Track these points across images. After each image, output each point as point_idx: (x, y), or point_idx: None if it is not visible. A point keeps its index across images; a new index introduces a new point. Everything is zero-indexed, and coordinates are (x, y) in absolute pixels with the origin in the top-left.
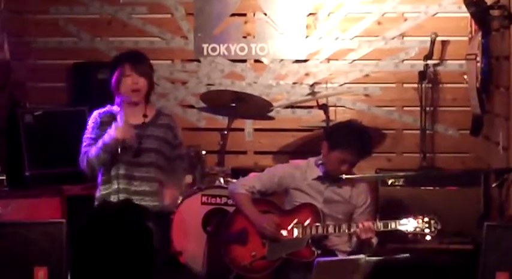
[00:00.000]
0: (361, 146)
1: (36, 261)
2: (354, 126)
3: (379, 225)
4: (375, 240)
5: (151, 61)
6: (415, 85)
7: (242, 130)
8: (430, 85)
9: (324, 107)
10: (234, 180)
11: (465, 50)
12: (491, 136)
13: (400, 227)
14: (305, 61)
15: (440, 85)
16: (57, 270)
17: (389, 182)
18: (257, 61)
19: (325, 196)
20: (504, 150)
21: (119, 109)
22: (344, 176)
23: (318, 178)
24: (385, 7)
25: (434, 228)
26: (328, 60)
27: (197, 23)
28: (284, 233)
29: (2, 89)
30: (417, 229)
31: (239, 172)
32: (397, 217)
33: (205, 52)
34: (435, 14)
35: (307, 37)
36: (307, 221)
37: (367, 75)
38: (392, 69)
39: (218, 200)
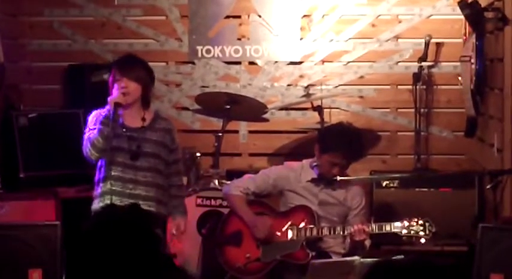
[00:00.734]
0: (351, 150)
1: (30, 263)
2: (344, 129)
3: (374, 227)
4: (368, 243)
5: None
6: (410, 87)
7: (237, 132)
8: (424, 87)
9: (319, 109)
10: (229, 182)
11: (459, 52)
12: (485, 138)
13: (394, 230)
14: (300, 63)
15: (435, 87)
16: (51, 272)
17: (384, 184)
18: (252, 63)
19: (320, 198)
20: (498, 152)
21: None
22: (338, 178)
23: (313, 180)
24: (379, 9)
25: (429, 231)
26: (323, 62)
27: (192, 25)
28: (278, 234)
29: None
30: (412, 232)
31: (234, 174)
32: (392, 218)
33: (199, 55)
34: (429, 16)
35: (301, 39)
36: (302, 223)
37: (361, 77)
38: (387, 71)
39: (213, 202)
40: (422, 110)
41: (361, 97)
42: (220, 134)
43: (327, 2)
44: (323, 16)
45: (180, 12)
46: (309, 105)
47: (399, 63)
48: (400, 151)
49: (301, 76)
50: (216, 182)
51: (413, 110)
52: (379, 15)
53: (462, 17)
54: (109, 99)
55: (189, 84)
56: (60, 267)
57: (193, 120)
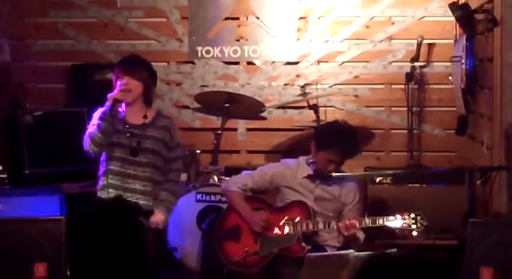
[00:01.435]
0: (346, 147)
1: (36, 258)
2: (340, 127)
3: (367, 221)
4: (361, 236)
5: None
6: (403, 86)
7: (235, 130)
8: (416, 86)
9: (315, 107)
10: (227, 178)
11: (450, 52)
12: (476, 136)
13: (387, 223)
14: (296, 63)
15: (427, 86)
16: (56, 266)
17: (378, 180)
18: (250, 63)
19: (315, 194)
20: (488, 149)
21: (121, 109)
22: (333, 174)
23: (309, 177)
24: (373, 11)
25: (421, 224)
26: (319, 62)
27: (192, 26)
28: (276, 229)
29: (3, 90)
30: (404, 225)
31: (232, 171)
32: (385, 213)
33: (199, 55)
34: (422, 18)
35: (298, 40)
36: (298, 218)
37: (356, 77)
38: (381, 70)
39: (212, 197)
40: (414, 108)
41: (356, 96)
42: (219, 132)
43: (322, 4)
44: (319, 18)
45: (181, 14)
46: (305, 104)
47: (392, 63)
48: (393, 148)
49: (297, 76)
50: (215, 178)
51: (406, 108)
52: (373, 17)
53: (453, 18)
54: (108, 95)
55: (189, 83)
56: (65, 262)
57: (193, 118)
